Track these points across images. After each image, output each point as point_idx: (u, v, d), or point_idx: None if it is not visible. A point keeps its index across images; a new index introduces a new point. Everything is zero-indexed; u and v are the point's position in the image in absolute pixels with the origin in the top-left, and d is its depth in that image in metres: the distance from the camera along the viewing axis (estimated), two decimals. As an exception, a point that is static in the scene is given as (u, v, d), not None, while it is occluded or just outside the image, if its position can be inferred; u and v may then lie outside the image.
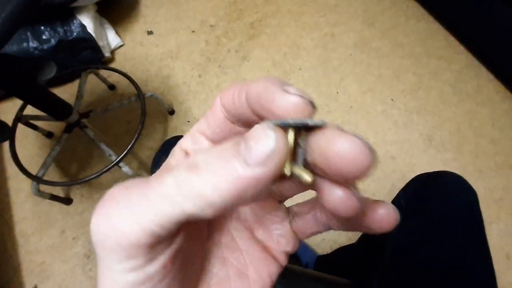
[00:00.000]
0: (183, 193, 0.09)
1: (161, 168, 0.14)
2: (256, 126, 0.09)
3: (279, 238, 0.15)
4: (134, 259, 0.10)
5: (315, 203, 0.15)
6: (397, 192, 0.49)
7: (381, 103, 0.97)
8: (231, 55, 1.09)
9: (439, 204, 0.39)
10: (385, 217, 0.12)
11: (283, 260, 0.15)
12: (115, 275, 0.10)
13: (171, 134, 0.96)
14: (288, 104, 0.10)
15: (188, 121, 0.98)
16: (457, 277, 0.34)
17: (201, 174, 0.09)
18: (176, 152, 0.14)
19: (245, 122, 0.13)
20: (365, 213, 0.12)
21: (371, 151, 0.09)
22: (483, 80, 1.01)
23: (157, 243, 0.10)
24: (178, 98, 1.01)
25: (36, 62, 0.54)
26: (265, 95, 0.10)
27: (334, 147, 0.09)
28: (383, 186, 0.86)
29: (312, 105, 0.10)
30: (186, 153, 0.14)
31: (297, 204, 0.16)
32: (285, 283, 0.37)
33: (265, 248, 0.15)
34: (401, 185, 0.49)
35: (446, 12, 1.08)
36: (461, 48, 1.07)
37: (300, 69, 1.06)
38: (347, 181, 0.10)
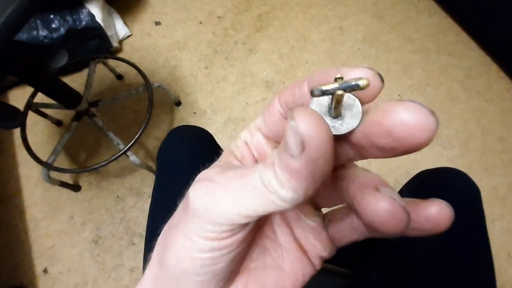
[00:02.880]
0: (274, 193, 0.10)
1: (225, 155, 0.16)
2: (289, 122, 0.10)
3: (315, 242, 0.15)
4: (220, 233, 0.11)
5: (350, 209, 0.14)
6: (400, 187, 0.49)
7: (388, 98, 0.96)
8: (238, 47, 1.09)
9: (442, 199, 0.39)
10: (437, 216, 0.11)
11: (318, 264, 0.15)
12: (197, 238, 0.12)
13: (178, 124, 0.97)
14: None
15: (194, 113, 0.98)
16: (457, 271, 0.34)
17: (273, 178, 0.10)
18: (239, 143, 0.16)
19: None
20: (413, 214, 0.11)
21: (434, 115, 0.09)
22: (493, 77, 0.99)
23: (247, 225, 0.12)
24: (185, 90, 1.02)
25: (48, 50, 0.55)
26: (326, 79, 0.11)
27: (396, 116, 0.09)
28: (387, 182, 0.86)
29: (380, 77, 0.11)
30: (246, 144, 0.16)
31: (332, 210, 0.16)
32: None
33: (302, 248, 0.15)
34: (404, 181, 0.49)
35: (459, 7, 1.05)
36: (472, 44, 1.05)
37: (307, 62, 1.05)
38: (407, 151, 0.10)
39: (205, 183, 0.12)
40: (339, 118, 0.11)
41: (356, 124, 0.11)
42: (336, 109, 0.11)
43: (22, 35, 0.87)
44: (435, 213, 0.11)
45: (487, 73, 1.00)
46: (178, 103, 0.99)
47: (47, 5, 0.88)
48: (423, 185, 0.43)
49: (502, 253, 0.79)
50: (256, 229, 0.15)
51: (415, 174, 0.47)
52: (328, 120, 0.11)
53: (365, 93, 0.11)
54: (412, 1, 1.14)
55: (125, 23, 1.09)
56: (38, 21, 0.88)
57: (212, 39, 1.10)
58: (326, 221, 0.16)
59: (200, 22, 1.14)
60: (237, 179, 0.11)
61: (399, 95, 0.97)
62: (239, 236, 0.12)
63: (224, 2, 1.18)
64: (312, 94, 0.11)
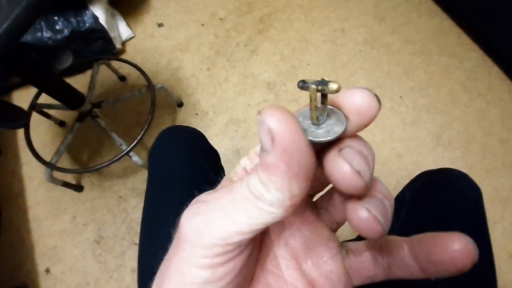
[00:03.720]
0: (267, 202, 0.10)
1: (223, 182, 0.15)
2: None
3: (329, 274, 0.14)
4: (213, 257, 0.11)
5: (375, 242, 0.14)
6: (401, 189, 0.49)
7: (389, 99, 0.97)
8: (240, 48, 1.09)
9: (443, 200, 0.39)
10: (460, 253, 0.10)
11: None
12: (189, 269, 0.11)
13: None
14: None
15: (196, 114, 0.99)
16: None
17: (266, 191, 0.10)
18: (238, 170, 0.15)
19: None
20: (434, 249, 0.11)
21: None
22: (494, 79, 0.99)
23: (242, 248, 0.11)
24: (187, 91, 1.03)
25: (53, 51, 0.56)
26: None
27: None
28: (388, 183, 0.86)
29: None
30: (245, 170, 0.15)
31: (354, 242, 0.15)
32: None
33: (311, 283, 0.14)
34: (406, 182, 0.49)
35: (460, 9, 1.06)
36: (474, 46, 1.05)
37: (309, 64, 1.06)
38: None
39: (196, 205, 0.12)
40: (323, 126, 0.12)
41: (340, 131, 0.11)
42: (312, 112, 0.12)
43: (27, 37, 0.87)
44: (458, 248, 0.10)
45: (489, 75, 1.00)
46: (180, 104, 0.99)
47: (51, 7, 0.89)
48: (424, 186, 0.43)
49: (503, 254, 0.78)
50: (258, 263, 0.14)
51: (416, 175, 0.47)
52: (313, 128, 0.12)
53: (360, 114, 0.12)
54: (413, 3, 1.15)
55: (128, 25, 1.10)
56: (42, 23, 0.89)
57: (214, 41, 1.11)
58: (345, 251, 0.14)
59: (202, 24, 1.14)
60: (226, 194, 0.11)
61: (400, 97, 0.97)
62: (235, 262, 0.11)
63: (226, 4, 1.18)
64: (298, 85, 0.12)
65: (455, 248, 0.10)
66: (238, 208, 0.10)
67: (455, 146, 0.90)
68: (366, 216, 0.11)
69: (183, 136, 0.44)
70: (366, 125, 0.12)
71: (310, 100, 0.11)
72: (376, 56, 1.05)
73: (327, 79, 0.11)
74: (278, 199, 0.10)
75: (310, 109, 0.12)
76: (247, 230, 0.10)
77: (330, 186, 0.13)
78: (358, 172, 0.10)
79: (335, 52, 1.07)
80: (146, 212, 0.40)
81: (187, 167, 0.39)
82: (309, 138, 0.11)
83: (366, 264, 0.13)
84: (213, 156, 0.45)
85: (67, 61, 0.53)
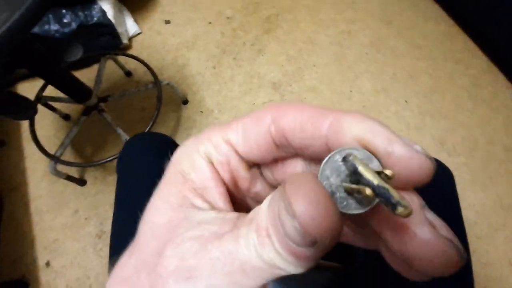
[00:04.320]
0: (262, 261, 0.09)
1: (174, 179, 0.12)
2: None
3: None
4: None
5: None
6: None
7: (394, 103, 0.97)
8: (246, 48, 1.09)
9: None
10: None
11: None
12: None
13: (184, 123, 0.97)
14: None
15: (201, 111, 0.99)
16: None
17: (267, 245, 0.08)
18: (199, 163, 0.12)
19: (300, 151, 0.11)
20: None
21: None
22: (500, 86, 1.00)
23: None
24: (192, 88, 1.03)
25: (63, 43, 0.56)
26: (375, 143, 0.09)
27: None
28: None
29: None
30: (211, 163, 0.12)
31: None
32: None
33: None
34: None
35: (466, 15, 1.06)
36: (479, 53, 1.05)
37: (315, 65, 1.06)
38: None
39: (187, 274, 0.09)
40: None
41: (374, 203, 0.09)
42: (353, 192, 0.09)
43: (34, 29, 0.87)
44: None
45: (494, 82, 1.00)
46: (185, 102, 0.99)
47: (60, 0, 0.89)
48: None
49: (505, 261, 0.79)
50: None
51: None
52: (341, 193, 0.09)
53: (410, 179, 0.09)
54: (420, 8, 1.15)
55: (135, 21, 1.10)
56: (50, 16, 0.88)
57: (220, 39, 1.11)
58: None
59: (209, 22, 1.14)
60: (229, 260, 0.09)
61: (406, 101, 0.98)
62: None
63: (234, 3, 1.19)
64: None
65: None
66: (247, 277, 0.09)
67: (459, 152, 0.90)
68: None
69: (150, 142, 0.43)
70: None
71: (357, 191, 0.09)
72: (382, 59, 1.05)
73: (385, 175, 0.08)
74: (299, 271, 0.09)
75: (353, 191, 0.09)
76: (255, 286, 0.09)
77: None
78: (455, 244, 0.08)
79: (341, 54, 1.07)
80: (114, 222, 0.39)
81: (152, 173, 0.38)
82: (346, 211, 0.09)
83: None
84: None
85: (77, 54, 0.53)
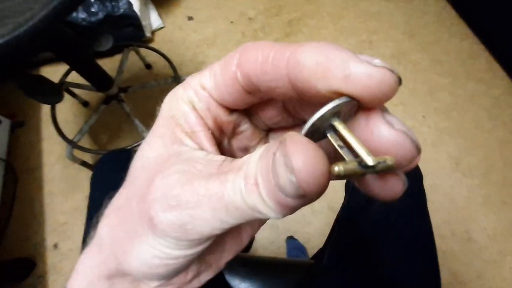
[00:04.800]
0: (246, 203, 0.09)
1: (166, 122, 0.12)
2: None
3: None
4: (190, 245, 0.10)
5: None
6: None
7: (411, 118, 0.96)
8: (266, 50, 1.10)
9: None
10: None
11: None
12: (162, 248, 0.11)
13: (198, 119, 0.98)
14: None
15: (216, 109, 0.99)
16: (400, 236, 0.36)
17: (253, 191, 0.09)
18: (185, 109, 0.12)
19: (270, 94, 0.11)
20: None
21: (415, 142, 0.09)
22: (521, 109, 0.98)
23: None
24: (209, 86, 1.03)
25: (94, 32, 0.57)
26: (331, 74, 0.09)
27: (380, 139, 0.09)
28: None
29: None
30: (194, 109, 0.12)
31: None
32: (245, 270, 0.41)
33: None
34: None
35: (492, 35, 1.04)
36: (502, 74, 1.03)
37: (333, 73, 1.05)
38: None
39: (172, 202, 0.10)
40: None
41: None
42: (344, 154, 0.09)
43: (62, 16, 0.89)
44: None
45: (516, 104, 0.98)
46: (202, 98, 1.00)
47: (90, -11, 0.90)
48: None
49: (513, 289, 0.77)
50: None
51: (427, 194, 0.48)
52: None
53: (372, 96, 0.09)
54: (444, 24, 1.14)
55: (159, 14, 1.12)
56: (79, 4, 0.90)
57: (241, 39, 1.11)
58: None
59: (231, 22, 1.15)
60: (214, 198, 0.09)
61: (423, 116, 0.96)
62: (211, 240, 0.11)
63: (257, 4, 1.19)
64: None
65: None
66: (229, 215, 0.09)
67: (474, 173, 0.88)
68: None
69: (124, 160, 0.43)
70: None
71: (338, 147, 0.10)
72: (402, 72, 1.04)
73: (363, 154, 0.08)
74: (278, 217, 0.09)
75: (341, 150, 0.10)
76: (231, 227, 0.10)
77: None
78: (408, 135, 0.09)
79: (361, 64, 1.06)
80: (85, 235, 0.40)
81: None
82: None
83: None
84: None
85: (107, 44, 0.54)
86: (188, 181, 0.10)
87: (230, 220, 0.09)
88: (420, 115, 0.96)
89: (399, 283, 0.33)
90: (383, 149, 0.09)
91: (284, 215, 0.09)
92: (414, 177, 0.39)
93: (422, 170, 0.40)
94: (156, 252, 0.11)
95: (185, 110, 0.12)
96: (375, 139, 0.09)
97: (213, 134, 0.12)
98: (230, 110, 0.12)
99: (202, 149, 0.12)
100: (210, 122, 0.12)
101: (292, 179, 0.08)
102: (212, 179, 0.10)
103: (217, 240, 0.12)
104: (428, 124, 0.95)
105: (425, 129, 0.94)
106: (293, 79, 0.09)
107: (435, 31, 1.12)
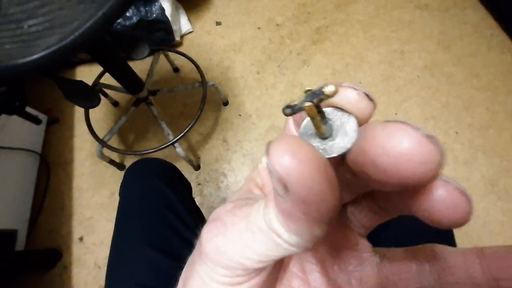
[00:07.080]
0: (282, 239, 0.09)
1: (246, 181, 0.14)
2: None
3: (358, 282, 0.13)
4: (234, 277, 0.10)
5: (419, 251, 0.12)
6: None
7: (443, 133, 0.91)
8: (292, 57, 1.09)
9: None
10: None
11: None
12: (210, 282, 0.11)
13: (222, 123, 0.99)
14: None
15: (240, 115, 1.00)
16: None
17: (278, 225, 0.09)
18: (261, 168, 0.14)
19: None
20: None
21: (432, 140, 0.07)
22: None
23: (261, 269, 0.11)
24: (234, 91, 1.04)
25: (131, 40, 0.59)
26: None
27: (378, 142, 0.08)
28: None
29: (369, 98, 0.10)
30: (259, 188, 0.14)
31: (391, 249, 0.13)
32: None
33: None
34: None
35: (539, 48, 0.97)
36: (548, 90, 0.96)
37: (361, 82, 1.02)
38: (406, 186, 0.08)
39: (216, 224, 0.11)
40: (330, 139, 0.10)
41: (349, 145, 0.09)
42: (318, 128, 0.10)
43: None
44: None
45: (562, 124, 0.90)
46: (226, 103, 1.01)
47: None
48: None
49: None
50: (281, 266, 0.14)
51: None
52: (318, 143, 0.10)
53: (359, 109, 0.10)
54: (484, 35, 1.07)
55: (189, 19, 1.14)
56: (115, 8, 0.95)
57: (267, 46, 1.12)
58: (380, 256, 0.13)
59: (259, 28, 1.15)
60: (243, 220, 0.10)
61: (456, 132, 0.91)
62: (257, 280, 0.11)
63: (285, 10, 1.19)
64: (284, 113, 0.10)
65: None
66: (255, 239, 0.09)
67: (510, 196, 0.82)
68: (448, 190, 0.08)
69: (151, 168, 0.45)
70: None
71: (312, 118, 0.10)
72: (435, 84, 0.99)
73: (316, 86, 0.09)
74: (298, 242, 0.09)
75: (316, 127, 0.10)
76: (267, 259, 0.10)
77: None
78: (431, 137, 0.07)
79: (390, 74, 1.02)
80: (112, 244, 0.41)
81: (148, 199, 0.41)
82: (327, 156, 0.09)
83: (407, 274, 0.12)
84: (182, 188, 0.46)
85: (144, 53, 0.56)
86: (234, 209, 0.11)
87: (258, 247, 0.09)
88: (453, 130, 0.91)
89: None
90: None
91: (301, 236, 0.08)
92: None
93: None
94: (203, 285, 0.11)
95: (261, 168, 0.14)
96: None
97: None
98: None
99: None
100: None
101: (277, 175, 0.08)
102: (248, 206, 0.11)
103: None
104: (461, 140, 0.90)
105: (458, 146, 0.89)
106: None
107: (473, 43, 1.06)
